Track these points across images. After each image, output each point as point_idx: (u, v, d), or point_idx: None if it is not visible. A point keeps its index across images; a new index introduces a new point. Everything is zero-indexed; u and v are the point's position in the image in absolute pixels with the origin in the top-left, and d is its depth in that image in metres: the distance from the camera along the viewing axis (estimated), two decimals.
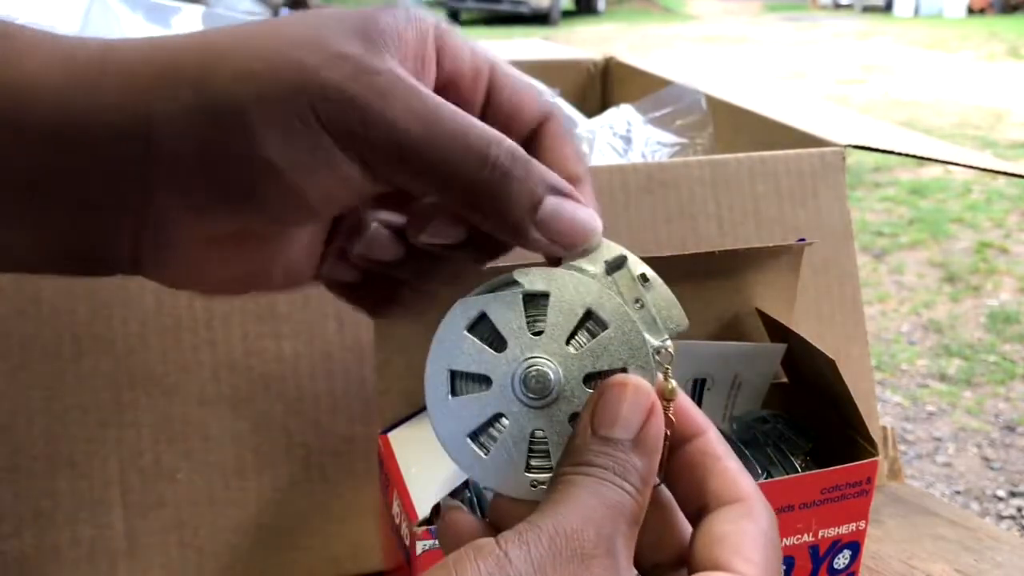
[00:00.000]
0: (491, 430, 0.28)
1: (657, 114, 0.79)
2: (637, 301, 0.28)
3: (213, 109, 0.25)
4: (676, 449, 0.28)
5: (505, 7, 12.00)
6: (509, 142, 0.26)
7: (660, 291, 0.28)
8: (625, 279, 0.28)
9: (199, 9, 0.77)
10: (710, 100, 0.80)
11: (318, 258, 0.32)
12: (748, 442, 0.53)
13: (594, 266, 0.28)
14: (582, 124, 0.81)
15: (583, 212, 0.28)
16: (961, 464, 2.04)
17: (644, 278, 0.28)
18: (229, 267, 0.29)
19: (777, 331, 0.55)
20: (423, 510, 0.43)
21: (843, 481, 0.47)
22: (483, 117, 0.29)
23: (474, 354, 0.28)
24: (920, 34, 10.21)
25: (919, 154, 0.65)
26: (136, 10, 0.70)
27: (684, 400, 0.28)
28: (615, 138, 0.77)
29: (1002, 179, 3.84)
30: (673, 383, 0.28)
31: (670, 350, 0.28)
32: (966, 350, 2.57)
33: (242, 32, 0.27)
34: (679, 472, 0.28)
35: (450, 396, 0.28)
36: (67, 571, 0.49)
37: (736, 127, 0.78)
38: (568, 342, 0.28)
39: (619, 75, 1.01)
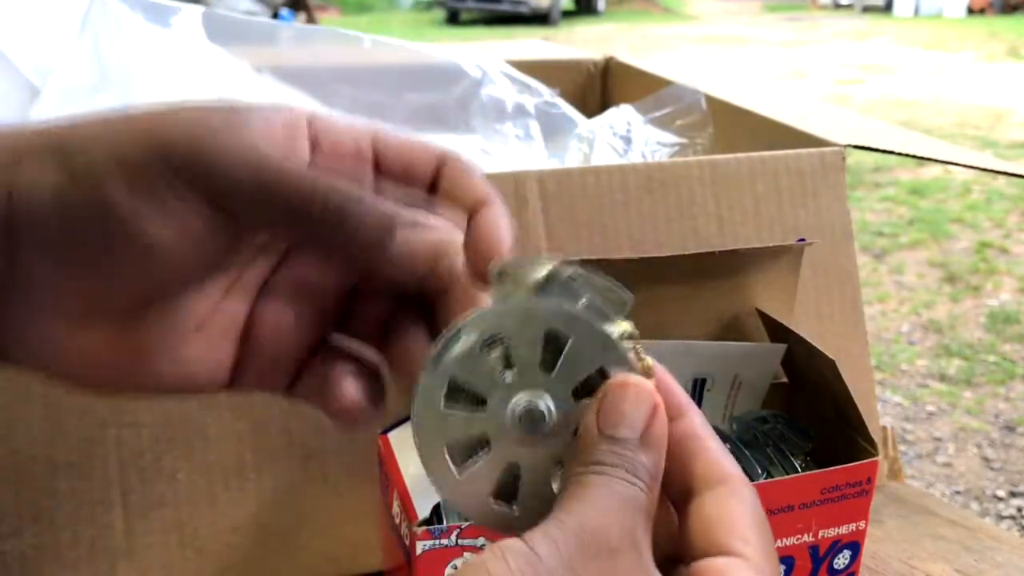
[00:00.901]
0: (470, 449, 0.27)
1: (657, 114, 0.79)
2: (578, 300, 0.28)
3: (71, 171, 0.26)
4: None
5: (505, 7, 12.00)
6: (345, 185, 0.27)
7: (594, 281, 0.28)
8: (558, 286, 0.28)
9: (199, 9, 0.77)
10: (710, 100, 0.80)
11: (227, 362, 0.30)
12: (748, 442, 0.53)
13: (524, 288, 0.28)
14: (582, 124, 0.81)
15: (430, 235, 0.28)
16: (961, 464, 2.05)
17: (572, 278, 0.28)
18: (104, 350, 0.28)
19: (777, 331, 0.55)
20: (423, 510, 0.43)
21: (843, 481, 0.47)
22: (378, 182, 0.30)
23: (455, 423, 0.27)
24: (920, 34, 10.21)
25: (919, 154, 0.65)
26: (136, 10, 0.70)
27: (666, 379, 0.28)
28: (615, 138, 0.77)
29: (1002, 179, 3.84)
30: (649, 359, 0.28)
31: (633, 329, 0.28)
32: (966, 350, 2.57)
33: (98, 113, 0.28)
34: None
35: (441, 403, 0.27)
36: (67, 571, 0.49)
37: (736, 127, 0.78)
38: (575, 391, 0.27)
39: (619, 75, 1.01)
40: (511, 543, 0.24)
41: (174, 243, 0.27)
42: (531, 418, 0.27)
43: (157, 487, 0.51)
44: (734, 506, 0.26)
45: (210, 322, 0.29)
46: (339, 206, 0.27)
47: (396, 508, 0.45)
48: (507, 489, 0.28)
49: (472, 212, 0.29)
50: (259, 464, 0.52)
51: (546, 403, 0.27)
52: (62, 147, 0.26)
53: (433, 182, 0.30)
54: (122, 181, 0.26)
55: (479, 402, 0.27)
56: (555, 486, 0.27)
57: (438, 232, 0.29)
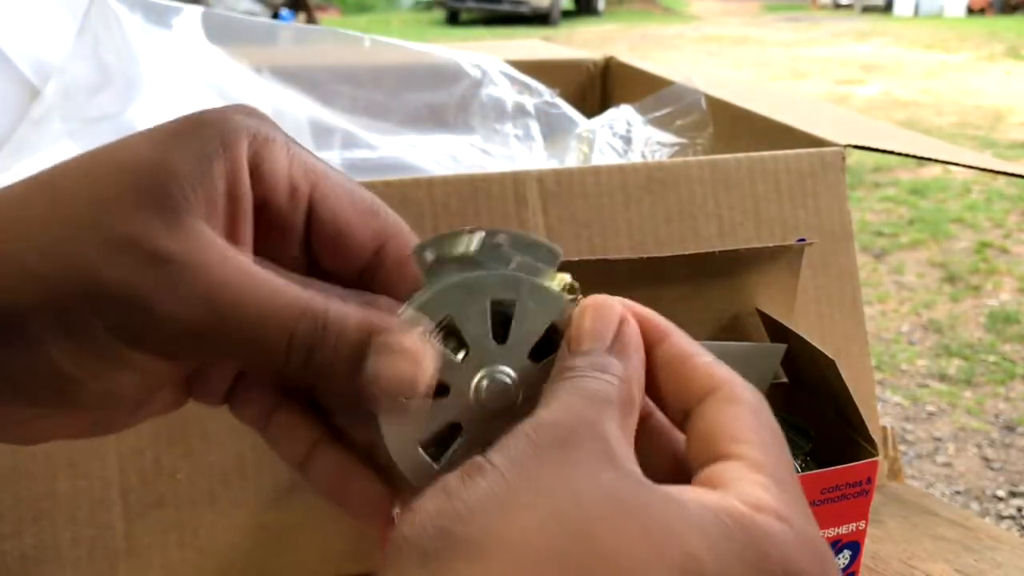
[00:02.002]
0: (445, 440, 0.27)
1: (657, 114, 0.79)
2: (510, 263, 0.27)
3: (5, 328, 0.24)
4: (646, 357, 0.27)
5: (505, 7, 12.00)
6: (315, 308, 0.25)
7: (519, 240, 0.27)
8: (486, 253, 0.27)
9: (199, 9, 0.77)
10: (710, 100, 0.80)
11: (172, 404, 0.29)
12: None
13: (453, 263, 0.27)
14: (582, 124, 0.81)
15: (405, 363, 0.25)
16: (961, 464, 2.04)
17: (498, 243, 0.27)
18: (66, 429, 0.27)
19: (777, 331, 0.55)
20: None
21: (843, 481, 0.47)
22: (310, 240, 0.28)
23: (427, 415, 0.26)
24: (920, 34, 10.21)
25: (919, 154, 0.65)
26: (136, 10, 0.70)
27: (638, 308, 0.27)
28: (615, 138, 0.77)
29: (1002, 179, 3.84)
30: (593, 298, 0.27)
31: (572, 280, 0.28)
32: (966, 350, 2.56)
33: (23, 210, 0.24)
34: (654, 381, 0.27)
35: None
36: (67, 571, 0.49)
37: (736, 127, 0.78)
38: (532, 354, 0.27)
39: (619, 75, 1.01)
40: (474, 460, 0.23)
41: (131, 390, 0.25)
42: (497, 393, 0.27)
43: (157, 487, 0.51)
44: (728, 409, 0.25)
45: (155, 395, 0.28)
46: (311, 347, 0.25)
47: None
48: (443, 440, 0.27)
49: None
50: (259, 464, 0.52)
51: (507, 374, 0.27)
52: None
53: (370, 262, 0.28)
54: (52, 338, 0.24)
55: (441, 389, 0.26)
56: None
57: (410, 363, 0.25)
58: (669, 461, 0.27)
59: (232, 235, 0.26)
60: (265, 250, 0.27)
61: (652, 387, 0.27)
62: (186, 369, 0.27)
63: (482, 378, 0.27)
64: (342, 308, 0.25)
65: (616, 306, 0.26)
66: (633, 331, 0.26)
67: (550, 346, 0.27)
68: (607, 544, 0.21)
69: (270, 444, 0.29)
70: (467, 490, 0.22)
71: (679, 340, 0.27)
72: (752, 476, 0.24)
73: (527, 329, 0.27)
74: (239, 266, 0.24)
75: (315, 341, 0.25)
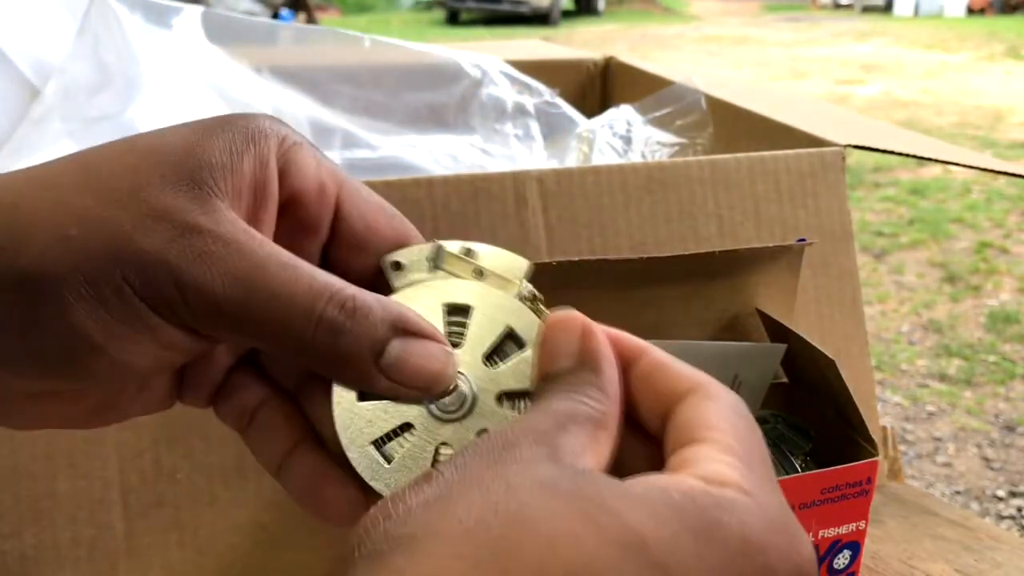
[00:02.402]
0: (397, 439, 0.27)
1: (657, 114, 0.79)
2: (475, 272, 0.28)
3: (25, 281, 0.24)
4: (624, 376, 0.27)
5: (505, 7, 12.01)
6: (344, 293, 0.25)
7: (487, 252, 0.28)
8: (454, 262, 0.28)
9: (199, 9, 0.77)
10: (710, 100, 0.80)
11: (166, 399, 0.30)
12: None
13: (420, 271, 0.28)
14: (582, 124, 0.81)
15: (431, 351, 0.26)
16: (961, 464, 2.04)
17: (467, 251, 0.28)
18: (64, 414, 0.28)
19: (777, 331, 0.55)
20: None
21: (843, 481, 0.47)
22: (334, 239, 0.29)
23: (380, 415, 0.27)
24: (920, 34, 10.21)
25: (919, 154, 0.65)
26: (136, 10, 0.70)
27: (612, 330, 0.27)
28: (615, 138, 0.77)
29: (1002, 179, 3.84)
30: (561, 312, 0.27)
31: (534, 291, 0.28)
32: (966, 350, 2.56)
33: (56, 182, 0.25)
34: (634, 394, 0.27)
35: (356, 400, 0.27)
36: (67, 571, 0.49)
37: (736, 127, 0.78)
38: (486, 358, 0.27)
39: (619, 75, 1.01)
40: (427, 471, 0.23)
41: (141, 360, 0.25)
42: (449, 395, 0.27)
43: (157, 487, 0.51)
44: (705, 403, 0.25)
45: (153, 380, 0.29)
46: (337, 328, 0.25)
47: None
48: (396, 439, 0.27)
49: None
50: (259, 464, 0.52)
51: (461, 377, 0.27)
52: (13, 246, 0.24)
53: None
54: (81, 302, 0.24)
55: None
56: (441, 461, 0.27)
57: (435, 354, 0.27)
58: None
59: (258, 222, 0.27)
60: (288, 248, 0.28)
61: (632, 402, 0.27)
62: (202, 348, 0.27)
63: None
64: (368, 296, 0.26)
65: (578, 318, 0.27)
66: (601, 343, 0.26)
67: (506, 352, 0.28)
68: (541, 527, 0.20)
69: (251, 447, 0.29)
70: (413, 496, 0.22)
71: (656, 354, 0.27)
72: (719, 456, 0.23)
73: (483, 335, 0.27)
74: (267, 247, 0.25)
75: (341, 325, 0.25)
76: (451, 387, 0.27)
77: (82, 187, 0.25)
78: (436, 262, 0.28)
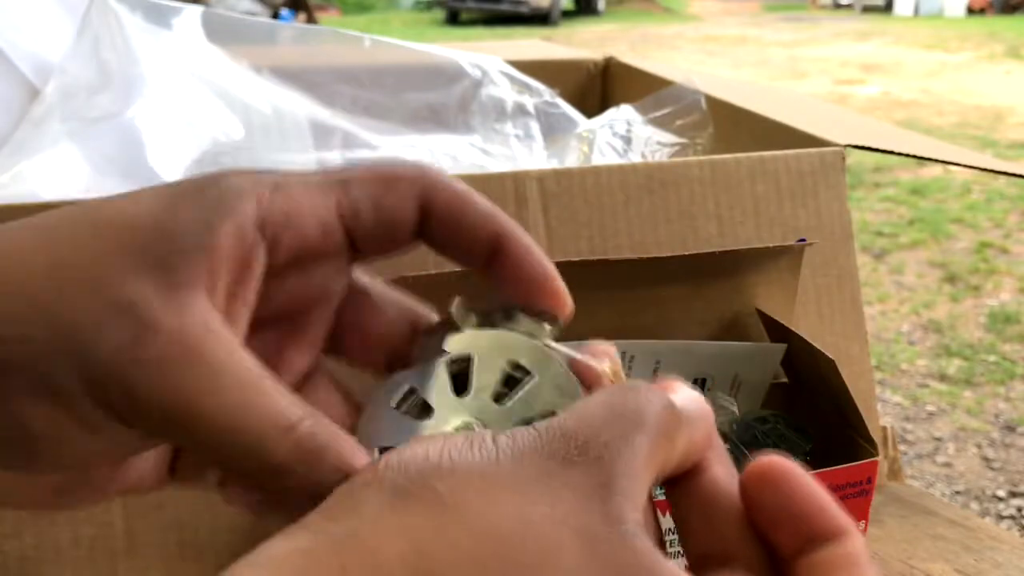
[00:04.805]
0: None
1: (657, 114, 0.79)
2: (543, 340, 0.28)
3: None
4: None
5: (505, 7, 12.00)
6: (304, 425, 0.23)
7: (515, 309, 0.28)
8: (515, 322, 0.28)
9: (199, 9, 0.77)
10: (710, 100, 0.80)
11: (163, 466, 0.28)
12: (748, 442, 0.53)
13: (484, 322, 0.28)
14: (582, 124, 0.81)
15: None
16: (961, 464, 2.04)
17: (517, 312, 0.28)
18: (34, 496, 0.27)
19: (777, 331, 0.55)
20: None
21: (843, 481, 0.47)
22: (354, 252, 0.27)
23: (401, 428, 0.27)
24: (920, 34, 10.21)
25: (919, 154, 0.65)
26: (136, 10, 0.70)
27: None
28: (615, 138, 0.77)
29: (1002, 179, 3.84)
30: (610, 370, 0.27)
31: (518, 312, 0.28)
32: (966, 350, 2.57)
33: (19, 257, 0.24)
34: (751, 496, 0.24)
35: None
36: (67, 571, 0.49)
37: (736, 127, 0.78)
38: (497, 399, 0.27)
39: (619, 75, 1.01)
40: (478, 431, 0.23)
41: (93, 457, 0.25)
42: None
43: None
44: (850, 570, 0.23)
45: (131, 463, 0.27)
46: (276, 471, 0.23)
47: None
48: None
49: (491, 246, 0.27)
50: None
51: (482, 428, 0.27)
52: None
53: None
54: (31, 399, 0.23)
55: (427, 411, 0.27)
56: None
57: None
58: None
59: (237, 298, 0.25)
60: (311, 285, 0.27)
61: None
62: (156, 445, 0.26)
63: (461, 423, 0.27)
64: (323, 434, 0.24)
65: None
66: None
67: (513, 383, 0.27)
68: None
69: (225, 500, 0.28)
70: (459, 453, 0.21)
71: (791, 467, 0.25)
72: None
73: (535, 407, 0.27)
74: (230, 355, 0.23)
75: (290, 468, 0.23)
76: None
77: (48, 275, 0.23)
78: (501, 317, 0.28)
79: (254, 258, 0.25)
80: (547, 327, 0.27)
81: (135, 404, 0.23)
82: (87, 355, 0.22)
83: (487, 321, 0.28)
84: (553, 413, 0.26)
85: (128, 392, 0.22)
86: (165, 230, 0.24)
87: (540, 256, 0.27)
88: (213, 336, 0.23)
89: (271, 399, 0.23)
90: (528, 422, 0.25)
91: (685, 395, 0.24)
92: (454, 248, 0.27)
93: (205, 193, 0.24)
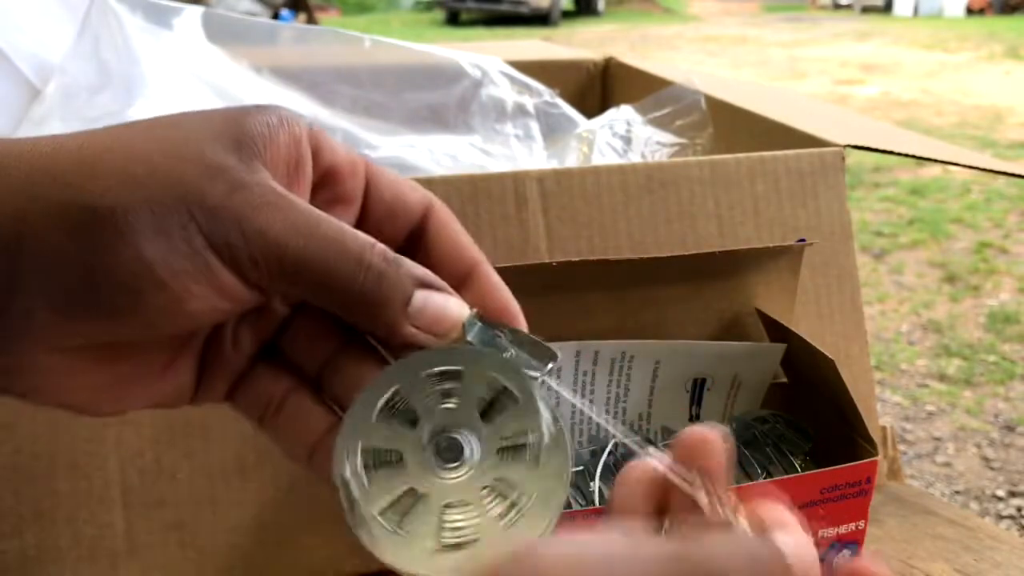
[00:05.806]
0: (401, 506, 0.27)
1: (657, 114, 0.79)
2: (507, 350, 0.29)
3: (92, 212, 0.25)
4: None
5: (505, 7, 12.01)
6: (380, 245, 0.28)
7: (523, 337, 0.29)
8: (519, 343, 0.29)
9: (199, 9, 0.77)
10: (710, 100, 0.80)
11: (191, 384, 0.30)
12: (748, 442, 0.53)
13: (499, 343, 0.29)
14: (582, 124, 0.81)
15: (450, 302, 0.29)
16: (961, 464, 2.05)
17: (513, 331, 0.29)
18: (91, 381, 0.28)
19: (777, 331, 0.55)
20: None
21: (842, 481, 0.47)
22: (364, 211, 0.30)
23: (387, 431, 0.28)
24: (920, 34, 10.21)
25: (919, 154, 0.65)
26: (136, 10, 0.70)
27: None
28: (615, 138, 0.77)
29: (1001, 179, 3.84)
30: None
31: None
32: (966, 350, 2.57)
33: (118, 133, 0.27)
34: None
35: (362, 471, 0.28)
36: (67, 571, 0.49)
37: (736, 127, 0.78)
38: (482, 415, 0.28)
39: (619, 75, 1.01)
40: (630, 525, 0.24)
41: (196, 302, 0.26)
42: (447, 448, 0.28)
43: (157, 487, 0.51)
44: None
45: (179, 361, 0.29)
46: (380, 272, 0.27)
47: None
48: (401, 507, 0.28)
49: (466, 271, 0.30)
50: (259, 464, 0.52)
51: (469, 442, 0.28)
52: (80, 180, 0.25)
53: (416, 227, 0.31)
54: (150, 236, 0.25)
55: (411, 423, 0.28)
56: (447, 525, 0.27)
57: (451, 304, 0.29)
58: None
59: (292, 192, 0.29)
60: None
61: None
62: (251, 300, 0.28)
63: (445, 430, 0.28)
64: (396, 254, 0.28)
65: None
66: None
67: (500, 405, 0.28)
68: None
69: (275, 437, 0.30)
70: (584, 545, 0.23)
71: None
72: None
73: (512, 430, 0.28)
74: (309, 207, 0.27)
75: (384, 271, 0.27)
76: (461, 336, 0.29)
77: (146, 140, 0.27)
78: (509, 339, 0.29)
79: (305, 165, 0.29)
80: (549, 365, 0.29)
81: (249, 241, 0.26)
82: (197, 199, 0.25)
83: (492, 340, 0.29)
84: (533, 441, 0.28)
85: (242, 231, 0.26)
86: (238, 122, 0.28)
87: (463, 236, 0.32)
88: (293, 194, 0.27)
89: (350, 230, 0.27)
90: (507, 448, 0.28)
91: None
92: (437, 263, 0.31)
93: (266, 108, 0.29)
